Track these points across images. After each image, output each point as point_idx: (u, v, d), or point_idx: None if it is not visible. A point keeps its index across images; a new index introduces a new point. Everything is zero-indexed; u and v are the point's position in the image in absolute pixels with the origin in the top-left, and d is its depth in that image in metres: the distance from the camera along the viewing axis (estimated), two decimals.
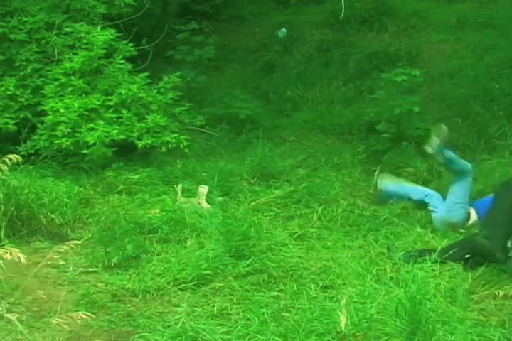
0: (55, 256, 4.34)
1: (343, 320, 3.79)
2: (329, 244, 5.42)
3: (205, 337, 3.92)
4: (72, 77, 7.09)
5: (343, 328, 3.75)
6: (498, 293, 4.61)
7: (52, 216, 5.64)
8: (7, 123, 6.99)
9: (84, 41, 7.32)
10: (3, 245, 4.19)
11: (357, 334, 3.75)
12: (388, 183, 6.41)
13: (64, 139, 6.74)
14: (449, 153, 6.11)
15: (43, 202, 5.65)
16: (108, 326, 4.20)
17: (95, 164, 6.86)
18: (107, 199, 6.30)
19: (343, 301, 4.01)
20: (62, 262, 5.07)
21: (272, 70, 10.11)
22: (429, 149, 6.08)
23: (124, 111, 7.06)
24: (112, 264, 5.02)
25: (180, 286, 4.65)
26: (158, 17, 10.90)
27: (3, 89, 7.06)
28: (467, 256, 4.80)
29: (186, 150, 7.18)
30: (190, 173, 6.92)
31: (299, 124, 8.73)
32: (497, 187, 5.47)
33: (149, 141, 6.96)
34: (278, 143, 8.16)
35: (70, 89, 7.06)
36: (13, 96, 7.09)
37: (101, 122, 6.87)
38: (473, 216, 5.84)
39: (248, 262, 4.83)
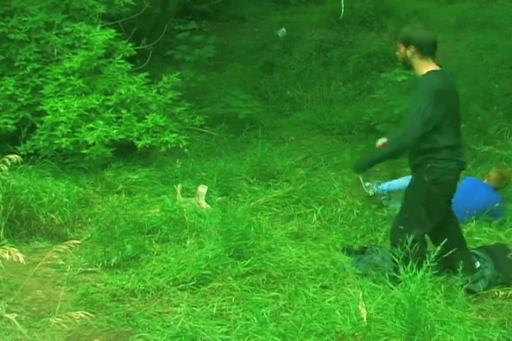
0: (55, 256, 4.35)
1: (363, 312, 3.79)
2: (328, 243, 5.42)
3: (204, 337, 3.92)
4: (72, 77, 7.09)
5: (364, 319, 3.76)
6: (498, 293, 4.62)
7: (52, 216, 5.64)
8: (6, 123, 6.99)
9: (84, 41, 7.32)
10: (3, 245, 4.18)
11: (356, 334, 3.75)
12: (374, 185, 6.42)
13: (63, 139, 6.74)
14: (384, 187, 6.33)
15: (43, 201, 5.65)
16: (107, 326, 4.20)
17: (94, 164, 6.86)
18: (106, 199, 6.30)
19: (360, 294, 4.01)
20: (61, 262, 5.07)
21: (271, 70, 10.13)
22: (370, 193, 6.32)
23: (123, 111, 7.07)
24: (112, 264, 5.02)
25: (179, 286, 4.64)
26: (157, 17, 10.93)
27: (2, 89, 7.06)
28: None
29: (186, 150, 7.19)
30: (190, 173, 6.92)
31: (298, 124, 8.75)
32: None
33: (149, 141, 6.97)
34: (277, 143, 8.17)
35: (69, 89, 7.07)
36: (13, 96, 7.09)
37: (100, 122, 6.87)
38: None
39: (247, 262, 4.83)
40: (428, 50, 4.46)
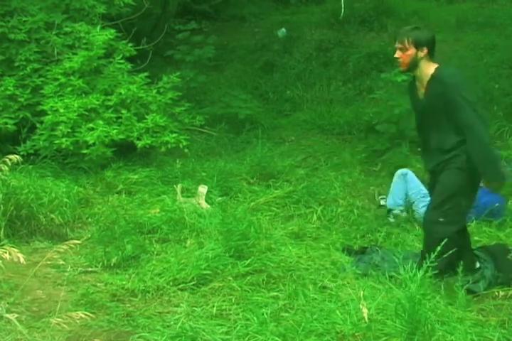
0: (55, 256, 4.35)
1: (364, 311, 3.79)
2: (329, 244, 5.42)
3: (204, 337, 3.92)
4: (72, 77, 7.09)
5: (366, 319, 3.76)
6: (498, 292, 4.62)
7: (52, 216, 5.64)
8: (6, 123, 6.99)
9: (84, 41, 7.32)
10: (3, 245, 4.18)
11: (356, 334, 3.75)
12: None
13: (63, 139, 6.74)
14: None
15: (43, 201, 5.65)
16: (107, 326, 4.20)
17: (95, 164, 6.86)
18: (106, 199, 6.30)
19: (361, 293, 4.01)
20: (61, 262, 5.07)
21: (271, 70, 10.12)
22: (382, 202, 6.36)
23: (123, 111, 7.06)
24: (112, 264, 5.02)
25: (179, 286, 4.64)
26: (157, 17, 10.92)
27: (2, 89, 7.05)
28: None
29: (186, 150, 7.18)
30: (190, 173, 6.92)
31: (298, 124, 8.74)
32: None
33: (149, 141, 6.96)
34: (277, 143, 8.17)
35: (69, 89, 7.07)
36: (13, 96, 7.09)
37: (100, 122, 6.87)
38: None
39: (247, 262, 4.83)
40: (434, 50, 4.53)
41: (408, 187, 6.09)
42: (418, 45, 4.49)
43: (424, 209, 5.83)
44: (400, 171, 6.19)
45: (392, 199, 6.11)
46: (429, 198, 5.89)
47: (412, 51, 4.49)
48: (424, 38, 4.51)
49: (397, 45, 4.55)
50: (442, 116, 4.51)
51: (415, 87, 4.70)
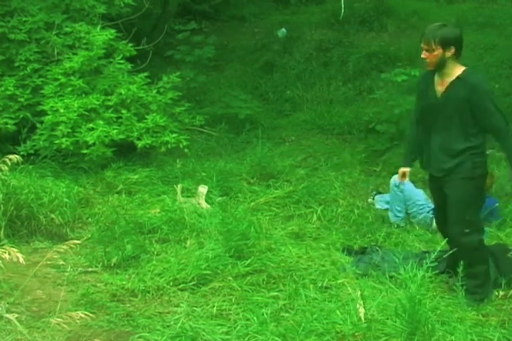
0: (55, 256, 4.35)
1: (361, 311, 3.79)
2: (329, 244, 5.42)
3: (204, 337, 3.93)
4: (72, 77, 7.09)
5: (362, 319, 3.76)
6: (498, 293, 4.62)
7: (52, 216, 5.64)
8: (7, 124, 6.99)
9: (84, 41, 7.32)
10: (3, 245, 4.18)
11: (356, 334, 3.75)
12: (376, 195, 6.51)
13: (63, 139, 6.74)
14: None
15: (43, 201, 5.65)
16: (107, 326, 4.21)
17: (95, 164, 6.86)
18: (106, 199, 6.30)
19: (358, 292, 4.01)
20: (61, 262, 5.07)
21: (271, 70, 10.12)
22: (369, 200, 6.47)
23: (123, 111, 7.06)
24: (112, 264, 5.03)
25: (179, 286, 4.65)
26: (157, 17, 10.92)
27: (2, 89, 7.05)
28: None
29: (186, 150, 7.18)
30: (190, 173, 6.93)
31: (298, 124, 8.75)
32: None
33: (149, 141, 6.96)
34: (277, 143, 8.17)
35: (69, 89, 7.07)
36: (13, 96, 7.09)
37: (100, 122, 6.87)
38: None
39: (248, 262, 4.83)
40: (461, 49, 4.47)
41: (405, 198, 6.04)
42: (445, 45, 4.36)
43: (424, 220, 5.87)
44: (394, 181, 6.06)
45: (393, 213, 6.05)
46: (425, 209, 5.93)
47: (438, 51, 4.37)
48: (452, 37, 4.40)
49: (423, 45, 4.42)
50: (456, 118, 4.42)
51: (432, 82, 4.55)
